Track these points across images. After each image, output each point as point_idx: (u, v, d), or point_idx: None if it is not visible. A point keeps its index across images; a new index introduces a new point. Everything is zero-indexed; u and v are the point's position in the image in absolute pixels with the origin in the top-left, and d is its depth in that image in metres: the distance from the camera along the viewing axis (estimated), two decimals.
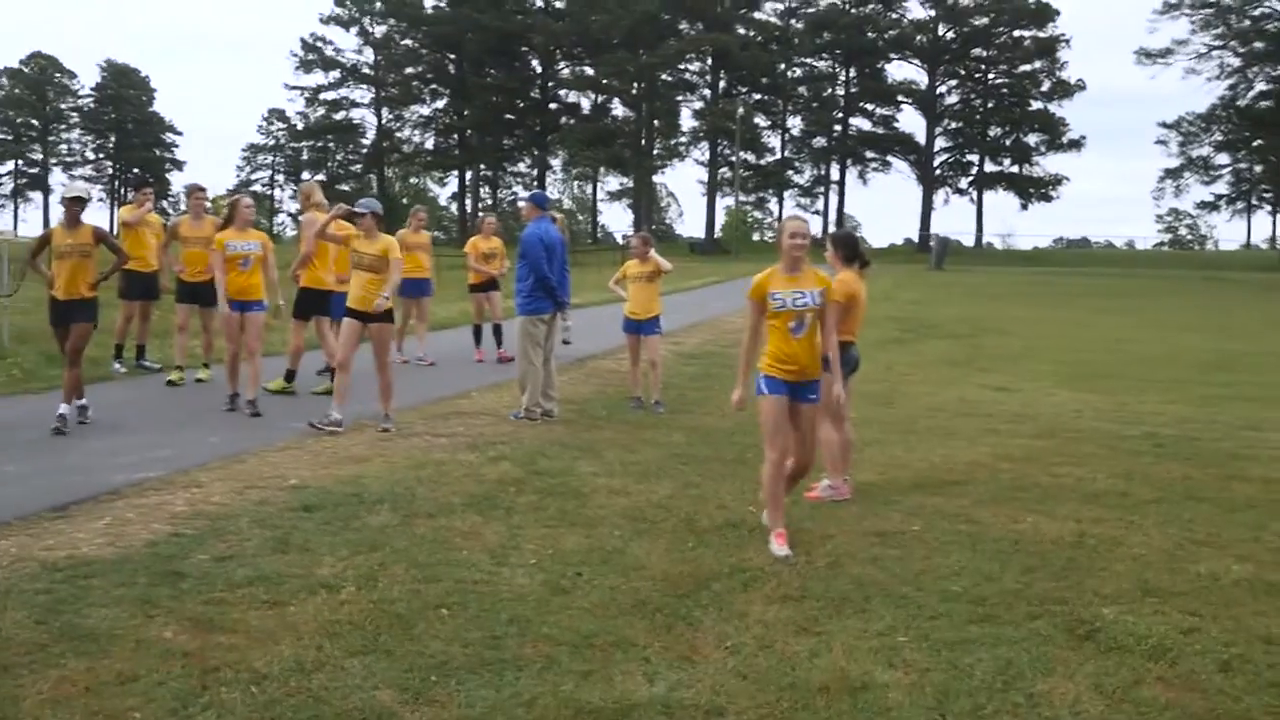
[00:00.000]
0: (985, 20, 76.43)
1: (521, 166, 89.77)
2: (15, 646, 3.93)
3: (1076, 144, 77.13)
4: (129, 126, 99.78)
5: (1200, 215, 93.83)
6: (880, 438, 8.79)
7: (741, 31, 79.66)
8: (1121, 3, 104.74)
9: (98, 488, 6.38)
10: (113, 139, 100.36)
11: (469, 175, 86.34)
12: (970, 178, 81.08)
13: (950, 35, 78.52)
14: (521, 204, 9.91)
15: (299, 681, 3.69)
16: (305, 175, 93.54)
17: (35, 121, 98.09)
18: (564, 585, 4.81)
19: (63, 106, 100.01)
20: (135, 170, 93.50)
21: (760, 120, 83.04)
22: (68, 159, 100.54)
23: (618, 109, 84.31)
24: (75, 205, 8.36)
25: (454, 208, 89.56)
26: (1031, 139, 78.77)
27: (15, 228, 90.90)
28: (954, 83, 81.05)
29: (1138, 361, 15.66)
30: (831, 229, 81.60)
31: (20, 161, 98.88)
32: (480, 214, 16.76)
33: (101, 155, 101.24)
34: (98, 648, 3.93)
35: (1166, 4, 67.58)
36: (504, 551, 5.28)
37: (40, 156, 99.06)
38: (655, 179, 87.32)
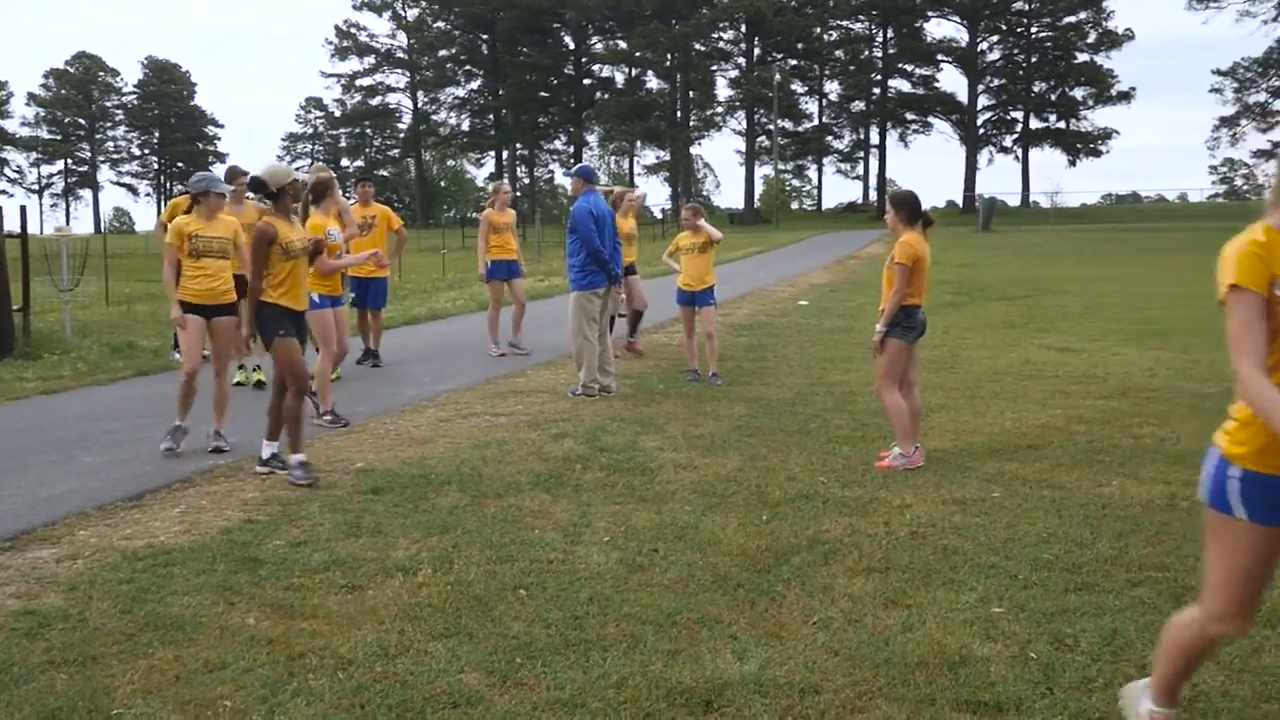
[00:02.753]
0: None
1: (557, 144, 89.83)
2: (104, 636, 3.96)
3: (1126, 96, 75.13)
4: (172, 121, 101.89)
5: (1257, 164, 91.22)
6: (946, 403, 8.67)
7: None
8: None
9: (170, 476, 6.48)
10: (157, 134, 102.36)
11: (505, 155, 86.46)
12: (1015, 135, 79.22)
13: None
14: (567, 179, 9.74)
15: (384, 666, 3.68)
16: (344, 162, 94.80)
17: (82, 120, 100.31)
18: (641, 562, 4.76)
19: (108, 104, 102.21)
20: (179, 165, 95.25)
21: (797, 86, 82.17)
22: (114, 155, 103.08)
23: (652, 81, 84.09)
24: (308, 191, 7.49)
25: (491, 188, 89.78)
26: (1078, 93, 76.74)
27: (68, 225, 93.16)
28: (995, 39, 78.85)
29: (1206, 316, 15.10)
30: (873, 193, 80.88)
31: (69, 160, 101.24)
32: (619, 190, 13.73)
33: (147, 151, 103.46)
34: (184, 635, 3.95)
35: None
36: (576, 530, 5.25)
37: (88, 154, 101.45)
38: (692, 151, 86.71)
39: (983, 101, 78.83)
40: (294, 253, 6.47)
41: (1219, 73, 74.95)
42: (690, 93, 79.92)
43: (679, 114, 79.91)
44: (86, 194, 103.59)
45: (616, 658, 3.75)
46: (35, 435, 7.71)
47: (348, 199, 10.96)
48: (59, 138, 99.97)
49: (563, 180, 16.42)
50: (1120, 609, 4.18)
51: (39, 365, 10.93)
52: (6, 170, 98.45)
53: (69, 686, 3.54)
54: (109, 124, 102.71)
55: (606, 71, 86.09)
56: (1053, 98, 77.74)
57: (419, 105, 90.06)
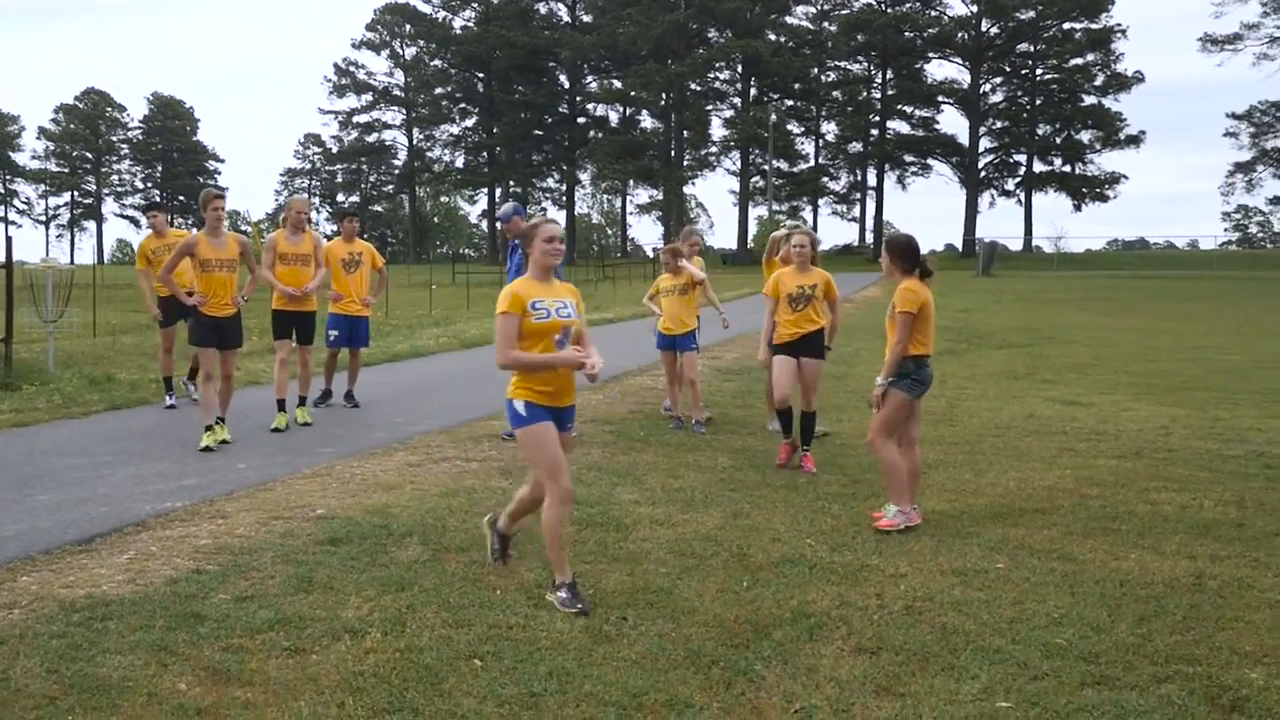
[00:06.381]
0: (1032, 14, 73.50)
1: (550, 182, 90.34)
2: (24, 699, 3.70)
3: (1135, 139, 74.03)
4: (175, 156, 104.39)
5: (1274, 211, 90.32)
6: (945, 459, 8.21)
7: (772, 37, 78.95)
8: None
9: (124, 519, 6.21)
10: (159, 168, 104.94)
11: (498, 192, 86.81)
12: (1018, 179, 78.40)
13: (994, 31, 75.72)
14: (506, 219, 9.05)
15: None
16: (340, 197, 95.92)
17: (89, 154, 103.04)
18: (608, 632, 4.40)
19: (114, 139, 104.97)
20: (181, 198, 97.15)
21: (793, 127, 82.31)
22: (119, 189, 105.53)
23: (646, 121, 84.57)
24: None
25: (484, 225, 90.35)
26: (1084, 136, 75.77)
27: (71, 257, 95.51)
28: (998, 80, 78.24)
29: (1222, 371, 14.58)
30: (870, 235, 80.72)
31: (75, 193, 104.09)
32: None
33: (150, 184, 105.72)
34: (108, 701, 3.68)
35: None
36: (540, 591, 4.88)
37: (94, 187, 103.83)
38: (685, 190, 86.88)
39: (984, 144, 78.08)
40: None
41: (1234, 116, 74.51)
42: (684, 132, 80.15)
43: (673, 153, 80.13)
44: (91, 225, 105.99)
45: None
46: None
47: (319, 233, 10.57)
48: (66, 170, 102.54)
49: (505, 219, 14.43)
50: (1146, 711, 3.70)
51: (16, 397, 10.81)
52: (15, 202, 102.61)
53: None
54: (114, 158, 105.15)
55: (601, 110, 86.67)
56: (1058, 141, 76.72)
57: (414, 142, 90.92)
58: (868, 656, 4.17)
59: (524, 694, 3.77)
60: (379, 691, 3.77)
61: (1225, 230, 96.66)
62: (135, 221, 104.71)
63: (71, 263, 67.21)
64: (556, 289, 4.92)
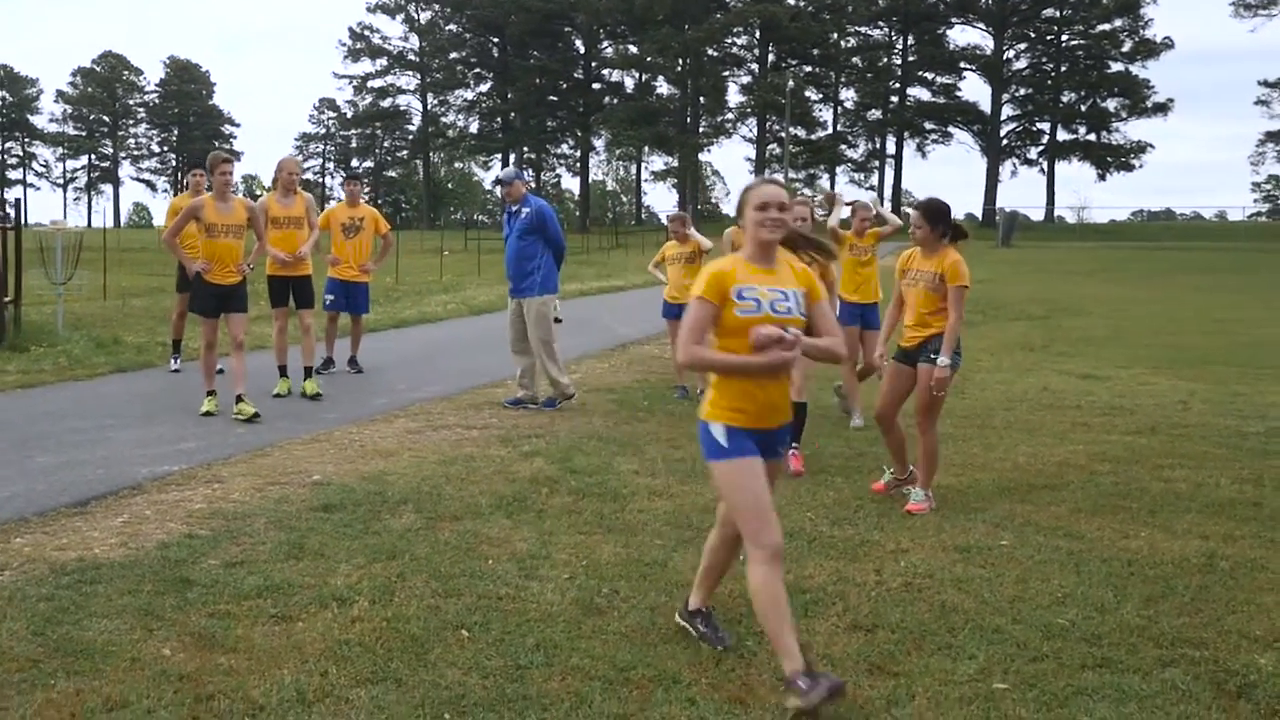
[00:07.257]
0: None
1: (565, 148, 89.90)
2: (9, 661, 3.68)
3: (1162, 108, 72.23)
4: (191, 120, 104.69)
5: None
6: (953, 433, 7.94)
7: (791, 1, 78.00)
8: None
9: (120, 482, 6.22)
10: (176, 132, 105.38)
11: (512, 158, 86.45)
12: (1040, 147, 76.95)
13: None
14: (508, 181, 9.02)
15: (297, 715, 3.32)
16: (355, 162, 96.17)
17: (106, 117, 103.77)
18: (599, 604, 4.31)
19: (130, 102, 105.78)
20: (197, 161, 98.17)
21: (811, 93, 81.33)
22: (135, 152, 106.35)
23: (662, 87, 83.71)
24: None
25: (498, 191, 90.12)
26: (1110, 104, 74.04)
27: (89, 220, 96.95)
28: (1023, 46, 76.43)
29: (1246, 345, 14.22)
30: (888, 204, 79.93)
31: (93, 156, 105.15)
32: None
33: (166, 148, 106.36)
34: (91, 666, 3.65)
35: None
36: (533, 562, 4.82)
37: (110, 151, 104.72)
38: (701, 157, 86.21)
39: (1007, 111, 76.48)
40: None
41: (1266, 84, 72.86)
42: (701, 98, 79.45)
43: (688, 120, 79.53)
44: (108, 188, 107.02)
45: None
46: None
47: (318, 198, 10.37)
48: (84, 134, 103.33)
49: (505, 184, 13.95)
50: (1148, 695, 3.56)
51: (24, 358, 10.88)
52: (34, 164, 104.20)
53: None
54: (131, 121, 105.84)
55: (616, 76, 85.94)
56: (1083, 109, 74.96)
57: (428, 107, 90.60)
58: (863, 634, 4.06)
59: (510, 666, 3.70)
60: (363, 660, 3.71)
61: (1254, 201, 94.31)
62: (152, 185, 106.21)
63: (88, 225, 67.57)
64: (779, 274, 3.67)
